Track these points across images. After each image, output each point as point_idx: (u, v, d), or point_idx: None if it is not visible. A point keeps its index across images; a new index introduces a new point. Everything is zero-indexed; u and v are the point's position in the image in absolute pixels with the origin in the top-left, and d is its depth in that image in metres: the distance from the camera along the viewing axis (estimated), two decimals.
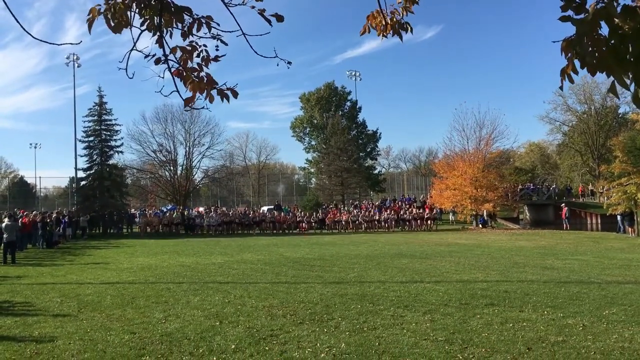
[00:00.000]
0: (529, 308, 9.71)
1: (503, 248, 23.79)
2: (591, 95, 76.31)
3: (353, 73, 78.72)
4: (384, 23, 4.44)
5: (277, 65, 4.08)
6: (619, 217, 32.87)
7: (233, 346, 7.52)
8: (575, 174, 79.66)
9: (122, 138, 46.38)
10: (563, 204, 43.45)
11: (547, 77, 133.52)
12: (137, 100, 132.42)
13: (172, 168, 58.18)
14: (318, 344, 7.50)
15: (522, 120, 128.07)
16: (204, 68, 3.80)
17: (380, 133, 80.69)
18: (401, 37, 4.54)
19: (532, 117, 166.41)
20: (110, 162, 44.88)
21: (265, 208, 46.34)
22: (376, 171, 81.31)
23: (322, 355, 6.97)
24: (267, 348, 7.40)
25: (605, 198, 40.42)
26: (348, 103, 79.82)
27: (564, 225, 38.65)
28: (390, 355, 6.89)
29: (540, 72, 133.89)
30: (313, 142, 79.71)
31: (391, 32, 4.48)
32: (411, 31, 4.56)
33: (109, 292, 12.82)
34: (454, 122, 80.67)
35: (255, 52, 4.09)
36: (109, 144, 44.57)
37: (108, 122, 44.72)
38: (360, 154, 73.55)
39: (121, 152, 46.26)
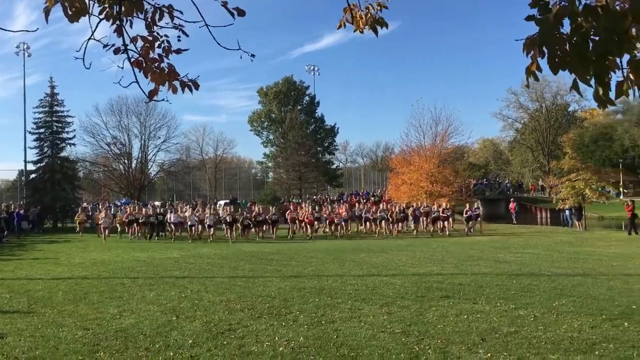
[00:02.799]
0: (482, 300, 9.93)
1: (458, 242, 24.26)
2: (542, 94, 78.42)
3: (311, 67, 78.61)
4: (361, 17, 4.46)
5: (241, 57, 4.05)
6: (567, 212, 33.93)
7: (190, 341, 7.44)
8: (527, 169, 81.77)
9: (74, 130, 45.16)
10: (512, 199, 44.58)
11: (502, 74, 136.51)
12: (92, 92, 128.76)
13: (126, 161, 57.08)
14: (276, 338, 7.50)
15: (477, 116, 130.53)
16: (165, 59, 3.74)
17: (338, 128, 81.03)
18: (376, 32, 4.57)
19: (486, 114, 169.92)
20: (62, 154, 43.64)
21: (221, 202, 45.85)
22: (334, 166, 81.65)
23: (281, 348, 6.97)
24: (225, 342, 7.35)
25: (555, 193, 41.63)
26: (306, 98, 79.82)
27: (513, 219, 39.74)
28: (348, 347, 6.94)
29: (494, 69, 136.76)
30: (271, 137, 79.45)
31: (367, 26, 4.50)
32: (386, 26, 4.60)
33: (60, 287, 12.49)
34: (410, 117, 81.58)
35: (219, 44, 4.04)
36: (61, 136, 43.31)
37: (60, 114, 43.44)
38: (318, 148, 73.73)
39: (73, 144, 45.07)
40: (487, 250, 19.65)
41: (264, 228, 29.27)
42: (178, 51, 3.82)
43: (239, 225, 28.64)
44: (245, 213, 30.28)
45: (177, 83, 3.79)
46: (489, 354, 6.51)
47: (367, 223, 31.34)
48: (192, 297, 10.88)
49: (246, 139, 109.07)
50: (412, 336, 7.44)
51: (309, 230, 29.40)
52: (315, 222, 30.31)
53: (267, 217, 29.64)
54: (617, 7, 2.74)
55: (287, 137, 67.17)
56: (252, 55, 4.10)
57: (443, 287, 11.41)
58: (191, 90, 3.73)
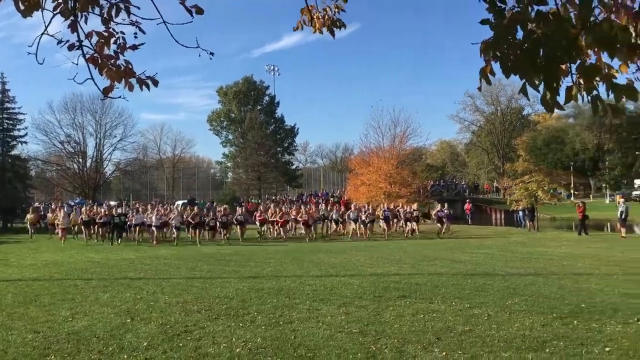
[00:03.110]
0: (438, 299, 10.08)
1: (415, 242, 24.58)
2: (498, 97, 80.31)
3: (272, 67, 78.60)
4: (319, 18, 4.46)
5: (199, 55, 4.01)
6: (520, 213, 34.79)
7: (145, 343, 7.31)
8: (482, 171, 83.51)
9: (26, 128, 43.89)
10: (468, 200, 45.49)
11: (459, 77, 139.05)
12: (49, 88, 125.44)
13: (80, 160, 55.82)
14: (234, 339, 7.44)
15: (435, 118, 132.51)
16: (121, 55, 3.66)
17: (298, 128, 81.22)
18: (333, 34, 4.58)
19: (443, 116, 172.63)
20: (13, 152, 42.33)
21: (179, 202, 45.24)
22: (293, 166, 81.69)
23: (238, 350, 6.92)
24: (181, 344, 7.25)
25: (509, 195, 42.60)
26: (266, 98, 79.68)
27: (468, 220, 40.56)
28: (306, 348, 6.94)
29: (452, 72, 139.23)
30: (230, 136, 78.92)
31: (324, 28, 4.51)
32: (344, 27, 4.62)
33: (10, 289, 12.10)
34: (370, 119, 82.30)
35: (177, 42, 3.98)
36: (12, 133, 42.05)
37: (11, 111, 42.17)
38: (278, 149, 73.66)
39: (25, 142, 43.84)
40: (443, 251, 19.97)
41: (231, 229, 27.96)
42: (134, 47, 3.75)
43: (205, 227, 27.27)
44: (211, 214, 28.56)
45: (133, 80, 3.73)
46: (444, 353, 6.61)
47: (340, 225, 30.41)
48: (147, 298, 10.69)
49: (205, 139, 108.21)
50: (369, 336, 7.50)
51: (282, 232, 28.15)
52: (288, 225, 29.16)
53: (234, 218, 28.31)
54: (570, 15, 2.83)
55: (246, 137, 66.84)
56: (211, 54, 4.06)
57: (400, 287, 11.53)
58: (148, 88, 3.67)
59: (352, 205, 32.44)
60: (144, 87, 3.67)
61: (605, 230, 33.97)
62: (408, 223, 29.11)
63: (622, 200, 29.44)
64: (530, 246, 21.35)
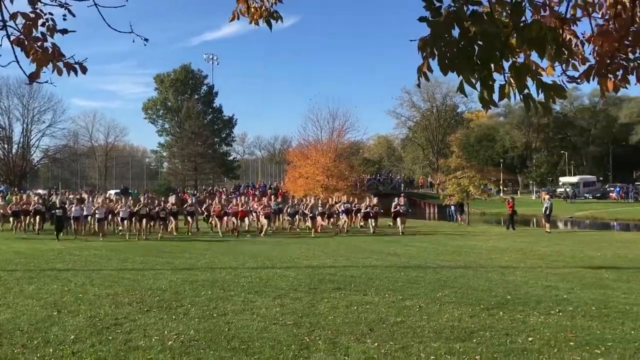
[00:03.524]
0: (372, 292, 10.25)
1: (351, 235, 24.85)
2: (434, 94, 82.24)
3: (210, 56, 77.34)
4: (256, 9, 4.40)
5: (133, 41, 3.89)
6: (452, 207, 35.81)
7: (72, 336, 7.07)
8: (417, 166, 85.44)
9: None
10: (402, 194, 46.46)
11: (397, 73, 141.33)
12: None
13: (6, 146, 53.27)
14: (166, 332, 7.31)
15: (373, 113, 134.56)
16: (49, 38, 3.49)
17: (236, 119, 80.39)
18: (270, 26, 4.52)
19: (381, 111, 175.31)
20: None
21: (112, 192, 43.91)
22: (231, 157, 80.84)
23: (170, 342, 6.80)
24: (110, 337, 7.05)
25: (442, 190, 43.75)
26: (204, 87, 78.33)
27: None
28: (240, 340, 6.90)
29: (391, 68, 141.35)
30: (166, 125, 77.16)
31: (261, 19, 4.45)
32: (281, 20, 4.57)
33: None
34: (309, 112, 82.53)
35: (109, 26, 3.84)
36: None
37: None
38: (215, 139, 72.68)
39: None
40: (378, 244, 20.30)
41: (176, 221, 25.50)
42: (64, 31, 3.58)
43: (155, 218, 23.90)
44: (161, 204, 24.86)
45: (62, 65, 3.56)
46: (376, 344, 6.73)
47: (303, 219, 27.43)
48: (75, 290, 10.33)
49: (140, 127, 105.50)
50: (304, 327, 7.53)
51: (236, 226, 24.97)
52: (246, 218, 26.24)
53: (185, 208, 26.22)
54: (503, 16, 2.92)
55: (183, 126, 65.63)
56: (145, 40, 3.94)
57: (335, 280, 11.64)
58: (76, 73, 3.52)
59: (290, 199, 30.70)
60: (72, 72, 3.51)
61: (531, 226, 35.50)
62: (369, 218, 26.85)
63: (547, 196, 30.84)
64: (460, 240, 22.01)
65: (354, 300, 9.40)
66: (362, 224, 28.43)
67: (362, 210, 27.85)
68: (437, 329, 7.50)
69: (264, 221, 25.26)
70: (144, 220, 23.28)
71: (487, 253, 17.14)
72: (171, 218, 25.30)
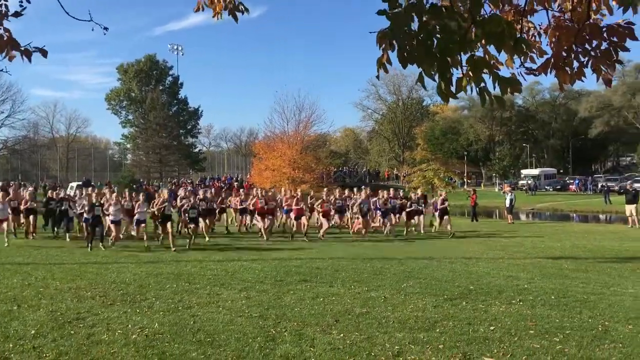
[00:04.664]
0: (338, 283, 10.32)
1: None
2: (399, 87, 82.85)
3: (175, 47, 76.27)
4: (219, 1, 4.34)
5: (92, 30, 3.81)
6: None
7: (33, 331, 6.93)
8: (383, 158, 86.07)
9: None
10: (367, 187, 46.75)
11: (365, 65, 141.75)
12: None
13: None
14: (129, 325, 7.22)
15: (340, 105, 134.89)
16: (3, 23, 3.39)
17: (202, 111, 79.64)
18: (236, 19, 4.47)
19: (348, 104, 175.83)
20: None
21: (73, 184, 42.99)
22: (197, 149, 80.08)
23: (134, 336, 6.72)
24: (72, 332, 6.93)
25: (407, 182, 44.21)
26: (169, 78, 77.27)
27: None
28: (205, 333, 6.87)
29: (357, 60, 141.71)
30: (130, 117, 75.93)
31: (226, 12, 4.39)
32: (247, 12, 4.53)
33: None
34: (275, 104, 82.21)
35: (68, 14, 3.76)
36: None
37: None
38: (181, 131, 71.86)
39: None
40: (345, 235, 20.39)
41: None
42: (17, 14, 3.48)
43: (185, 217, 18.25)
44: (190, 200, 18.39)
45: (19, 52, 3.47)
46: (342, 335, 6.79)
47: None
48: (36, 284, 10.11)
49: (104, 118, 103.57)
50: (270, 320, 7.54)
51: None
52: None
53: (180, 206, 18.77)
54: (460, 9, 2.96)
55: (147, 117, 64.64)
56: (105, 28, 3.87)
57: (301, 272, 11.67)
58: (30, 59, 3.42)
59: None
60: (31, 59, 3.43)
61: (494, 217, 36.15)
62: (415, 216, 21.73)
63: (508, 189, 31.45)
64: (425, 231, 22.25)
65: (320, 292, 9.45)
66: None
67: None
68: (401, 319, 7.60)
69: (323, 221, 19.86)
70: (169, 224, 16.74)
71: (450, 244, 17.40)
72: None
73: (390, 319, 7.59)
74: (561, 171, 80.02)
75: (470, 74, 2.81)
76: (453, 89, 2.84)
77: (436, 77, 2.79)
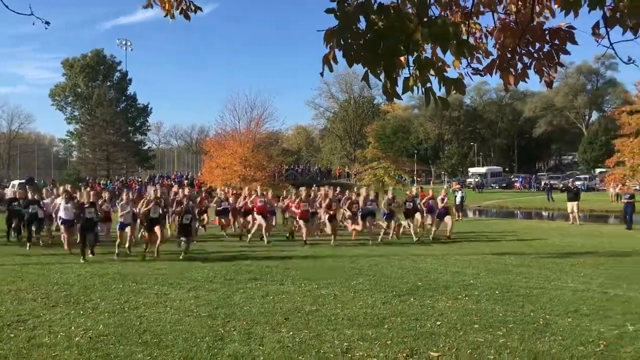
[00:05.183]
0: (288, 281, 10.30)
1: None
2: (351, 85, 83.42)
3: (124, 42, 74.52)
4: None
5: (33, 24, 3.67)
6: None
7: None
8: (335, 157, 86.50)
9: None
10: (317, 185, 46.95)
11: (317, 64, 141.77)
12: None
13: None
14: (72, 327, 7.01)
15: (292, 103, 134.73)
16: None
17: (152, 107, 78.15)
18: (188, 18, 4.38)
19: (300, 102, 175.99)
20: None
21: (15, 182, 41.44)
22: (146, 147, 78.54)
23: (77, 339, 6.53)
24: (12, 335, 6.68)
25: (359, 180, 44.56)
26: (117, 73, 75.39)
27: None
28: (152, 333, 6.75)
29: (310, 59, 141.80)
30: (76, 113, 73.76)
31: (177, 11, 4.30)
32: (200, 10, 4.44)
33: None
34: (226, 101, 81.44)
35: (7, 7, 3.61)
36: None
37: None
38: (129, 127, 70.31)
39: None
40: (297, 234, 20.35)
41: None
42: None
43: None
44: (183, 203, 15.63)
45: None
46: (291, 332, 6.78)
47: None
48: None
49: (48, 114, 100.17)
50: (219, 319, 7.47)
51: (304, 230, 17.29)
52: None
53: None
54: (408, 10, 2.99)
55: (94, 114, 63.02)
56: (47, 23, 3.73)
57: (252, 270, 11.60)
58: None
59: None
60: None
61: None
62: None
63: (458, 186, 32.12)
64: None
65: (270, 290, 9.42)
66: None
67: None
68: (351, 316, 7.66)
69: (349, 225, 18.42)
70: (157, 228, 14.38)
71: (400, 242, 17.63)
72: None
73: (339, 316, 7.64)
74: (507, 169, 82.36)
75: (417, 74, 2.84)
76: (399, 88, 2.87)
77: (382, 77, 2.81)
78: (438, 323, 7.24)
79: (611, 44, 3.71)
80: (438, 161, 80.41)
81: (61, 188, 17.92)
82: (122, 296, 8.94)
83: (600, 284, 10.17)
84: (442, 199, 19.04)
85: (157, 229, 14.15)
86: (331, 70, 2.94)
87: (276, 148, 63.42)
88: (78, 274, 11.10)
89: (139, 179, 55.86)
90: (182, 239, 14.25)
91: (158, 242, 13.91)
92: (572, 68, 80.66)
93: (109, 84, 71.16)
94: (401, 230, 18.48)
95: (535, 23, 4.03)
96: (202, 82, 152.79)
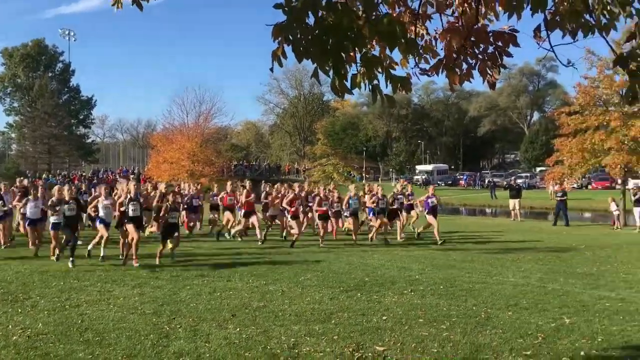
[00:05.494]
0: (235, 277, 10.23)
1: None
2: (301, 82, 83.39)
3: (66, 32, 72.03)
4: None
5: None
6: None
7: None
8: (285, 153, 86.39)
9: None
10: (264, 181, 46.86)
11: (267, 59, 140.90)
12: None
13: None
14: (10, 326, 6.76)
15: (242, 99, 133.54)
16: None
17: (96, 100, 75.95)
18: (140, 7, 4.24)
19: (251, 97, 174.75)
20: None
21: None
22: (89, 140, 76.36)
23: (14, 337, 6.30)
24: None
25: (308, 176, 44.66)
26: (60, 64, 72.86)
27: None
28: (94, 332, 6.58)
29: (261, 54, 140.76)
30: (16, 104, 70.86)
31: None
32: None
33: None
34: (175, 95, 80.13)
35: None
36: None
37: None
38: (72, 120, 68.14)
39: None
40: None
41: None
42: None
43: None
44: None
45: None
46: (238, 329, 6.75)
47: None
48: None
49: None
50: (164, 316, 7.35)
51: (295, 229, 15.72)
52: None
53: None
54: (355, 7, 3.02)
55: (35, 105, 60.71)
56: None
57: (199, 266, 11.47)
58: None
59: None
60: None
61: None
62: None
63: (405, 183, 32.58)
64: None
65: (218, 287, 9.34)
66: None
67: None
68: (298, 312, 7.68)
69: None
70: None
71: (349, 238, 17.74)
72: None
73: (287, 312, 7.65)
74: (452, 167, 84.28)
75: (364, 71, 2.87)
76: (348, 85, 2.89)
77: (331, 73, 2.83)
78: (384, 318, 7.35)
79: (552, 47, 3.85)
80: (386, 158, 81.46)
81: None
82: (62, 294, 8.68)
83: (539, 278, 10.55)
84: (428, 197, 17.11)
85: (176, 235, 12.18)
86: (281, 65, 2.93)
87: (225, 143, 62.80)
88: (17, 271, 10.69)
89: (82, 173, 54.18)
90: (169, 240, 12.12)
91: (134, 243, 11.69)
92: (515, 69, 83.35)
93: (50, 74, 68.71)
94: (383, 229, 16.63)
95: (480, 25, 4.13)
96: (149, 75, 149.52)
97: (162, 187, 17.06)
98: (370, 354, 5.89)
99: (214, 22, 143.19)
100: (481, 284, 9.84)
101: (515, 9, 3.58)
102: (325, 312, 7.69)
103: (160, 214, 12.30)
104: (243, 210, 16.69)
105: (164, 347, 6.04)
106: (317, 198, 16.59)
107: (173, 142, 39.99)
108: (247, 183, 17.95)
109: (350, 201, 16.54)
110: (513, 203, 26.53)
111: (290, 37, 2.74)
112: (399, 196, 17.65)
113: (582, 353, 5.97)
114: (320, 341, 6.31)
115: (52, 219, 12.06)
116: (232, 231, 16.92)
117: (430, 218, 16.82)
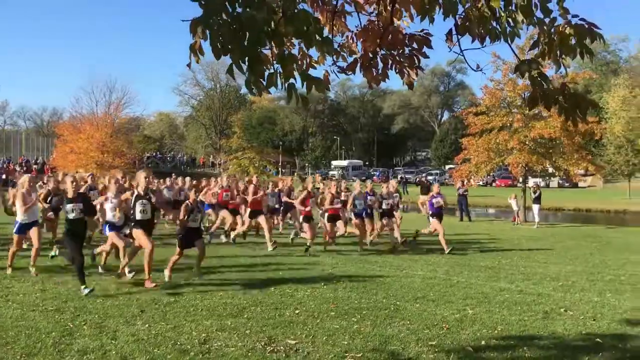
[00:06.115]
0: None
1: None
2: (218, 74, 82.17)
3: None
4: None
5: None
6: None
7: None
8: (200, 145, 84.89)
9: None
10: (174, 174, 45.94)
11: (183, 50, 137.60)
12: None
13: None
14: None
15: (156, 89, 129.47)
16: None
17: None
18: None
19: (165, 88, 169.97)
20: None
21: None
22: None
23: None
24: None
25: (224, 169, 44.16)
26: None
27: None
28: None
29: (176, 44, 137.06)
30: None
31: None
32: None
33: None
34: (83, 83, 76.55)
35: None
36: None
37: None
38: None
39: None
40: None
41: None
42: None
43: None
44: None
45: None
46: (147, 325, 6.58)
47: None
48: None
49: None
50: (67, 313, 7.04)
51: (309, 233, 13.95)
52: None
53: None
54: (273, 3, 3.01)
55: None
56: None
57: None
58: None
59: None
60: None
61: None
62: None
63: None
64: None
65: (126, 282, 9.05)
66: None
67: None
68: (210, 307, 7.59)
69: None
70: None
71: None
72: None
73: (199, 307, 7.55)
74: (367, 163, 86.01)
75: (280, 69, 2.87)
76: (264, 83, 2.88)
77: (246, 70, 2.80)
78: (297, 311, 7.41)
79: (461, 51, 4.03)
80: (302, 153, 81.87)
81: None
82: None
83: (446, 271, 11.01)
84: (433, 197, 15.00)
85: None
86: (198, 61, 2.88)
87: (137, 134, 60.81)
88: None
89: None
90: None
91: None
92: (427, 70, 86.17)
93: None
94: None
95: (395, 26, 4.24)
96: (55, 61, 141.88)
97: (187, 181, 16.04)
98: (282, 348, 5.92)
99: (130, 10, 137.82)
100: (391, 277, 10.13)
101: (428, 12, 3.71)
102: (237, 306, 7.65)
103: (180, 217, 9.89)
104: (248, 210, 14.37)
105: (67, 345, 5.79)
106: (329, 195, 14.01)
107: (81, 131, 38.32)
108: (254, 178, 15.90)
109: (356, 201, 14.47)
110: (423, 199, 27.43)
111: (207, 32, 2.69)
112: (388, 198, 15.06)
113: (483, 342, 6.29)
114: (232, 335, 6.28)
115: None
116: (232, 234, 14.76)
117: (434, 222, 14.40)
